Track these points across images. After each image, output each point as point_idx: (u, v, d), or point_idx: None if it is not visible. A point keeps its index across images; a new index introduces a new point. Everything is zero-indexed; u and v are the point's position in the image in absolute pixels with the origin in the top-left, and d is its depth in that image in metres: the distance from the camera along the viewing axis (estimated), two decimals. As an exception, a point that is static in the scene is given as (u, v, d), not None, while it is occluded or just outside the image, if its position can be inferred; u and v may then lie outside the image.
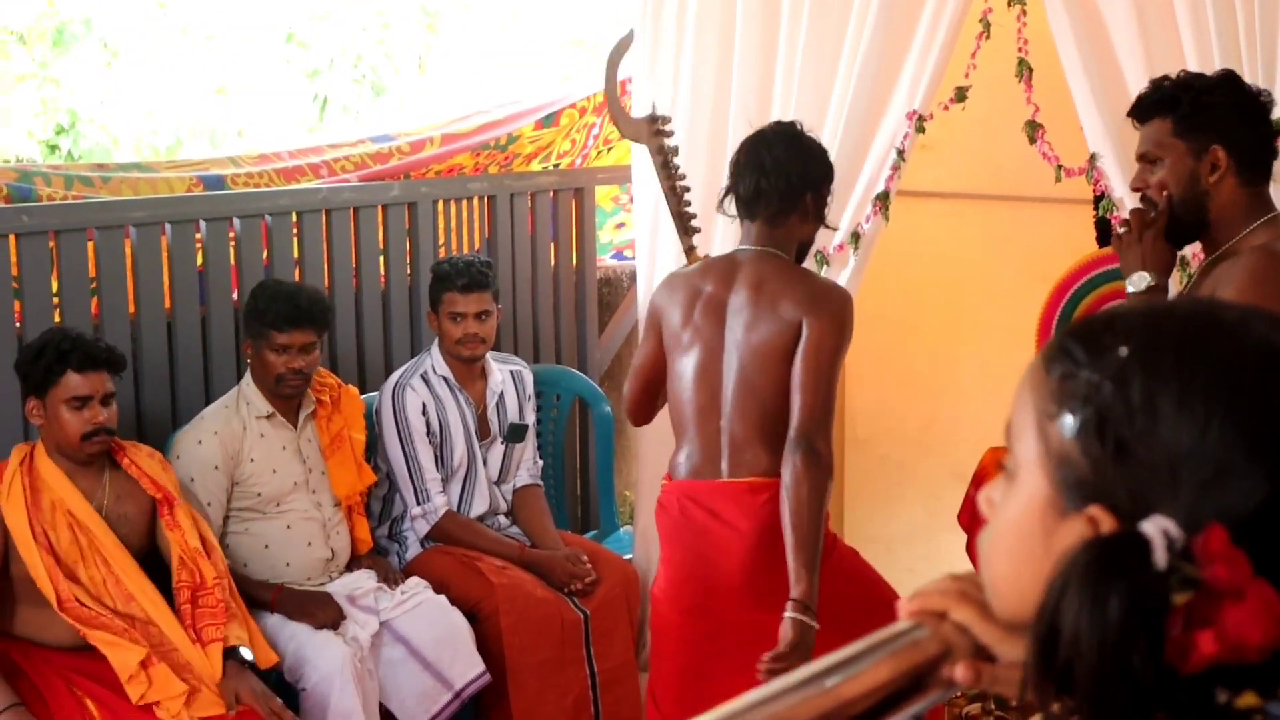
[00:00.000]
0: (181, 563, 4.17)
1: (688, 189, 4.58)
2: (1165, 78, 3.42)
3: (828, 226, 4.04)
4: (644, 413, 4.19)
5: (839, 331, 3.77)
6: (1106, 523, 1.16)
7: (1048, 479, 1.24)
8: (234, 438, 4.50)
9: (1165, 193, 3.34)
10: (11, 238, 4.33)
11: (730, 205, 3.95)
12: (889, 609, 4.08)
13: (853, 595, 3.93)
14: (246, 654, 4.10)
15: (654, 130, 4.62)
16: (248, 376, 4.58)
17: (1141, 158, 3.40)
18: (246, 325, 4.56)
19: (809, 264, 4.23)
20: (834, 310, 3.78)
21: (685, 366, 3.91)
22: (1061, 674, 1.13)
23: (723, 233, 4.69)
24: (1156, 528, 1.11)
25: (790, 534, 3.65)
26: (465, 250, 5.55)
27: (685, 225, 4.56)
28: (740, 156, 3.93)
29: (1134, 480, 1.15)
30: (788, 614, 3.59)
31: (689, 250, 4.53)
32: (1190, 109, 3.29)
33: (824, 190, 3.92)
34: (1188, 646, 1.08)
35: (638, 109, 5.09)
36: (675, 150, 4.60)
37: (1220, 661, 1.08)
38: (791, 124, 3.96)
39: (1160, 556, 1.10)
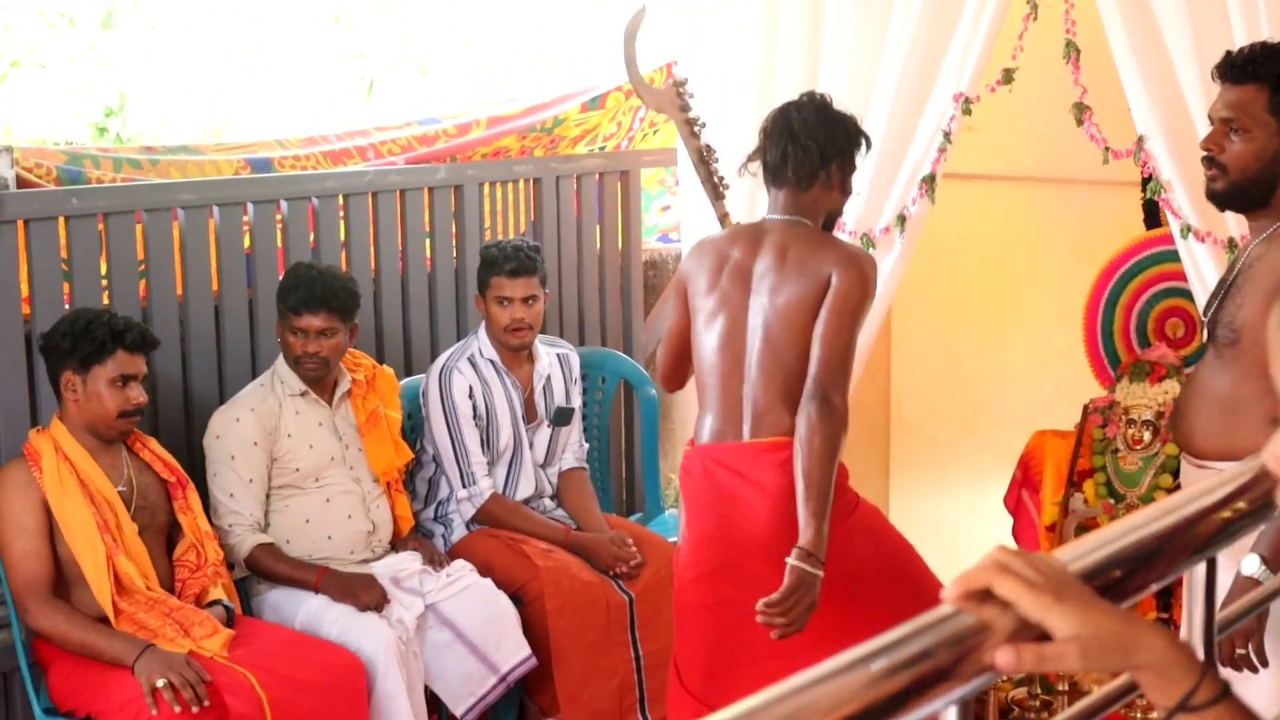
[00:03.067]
0: (189, 545, 4.26)
1: (715, 154, 4.55)
2: (1264, 42, 3.37)
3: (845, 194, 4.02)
4: (676, 378, 4.23)
5: (864, 289, 3.79)
6: None
7: None
8: (270, 414, 4.53)
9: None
10: (61, 220, 4.35)
11: (755, 171, 3.97)
12: (909, 572, 4.11)
13: (873, 555, 3.94)
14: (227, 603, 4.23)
15: (677, 96, 4.61)
16: (281, 356, 4.62)
17: (1224, 121, 3.34)
18: (276, 305, 4.61)
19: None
20: (862, 269, 3.80)
21: (710, 332, 3.94)
22: None
23: (753, 199, 4.68)
24: None
25: (801, 483, 3.66)
26: (511, 233, 5.55)
27: (716, 191, 4.54)
28: (769, 124, 3.95)
29: None
30: (790, 560, 3.58)
31: (723, 217, 4.52)
32: None
33: (851, 160, 3.94)
34: None
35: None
36: (700, 120, 4.59)
37: None
38: (821, 95, 3.97)
39: None
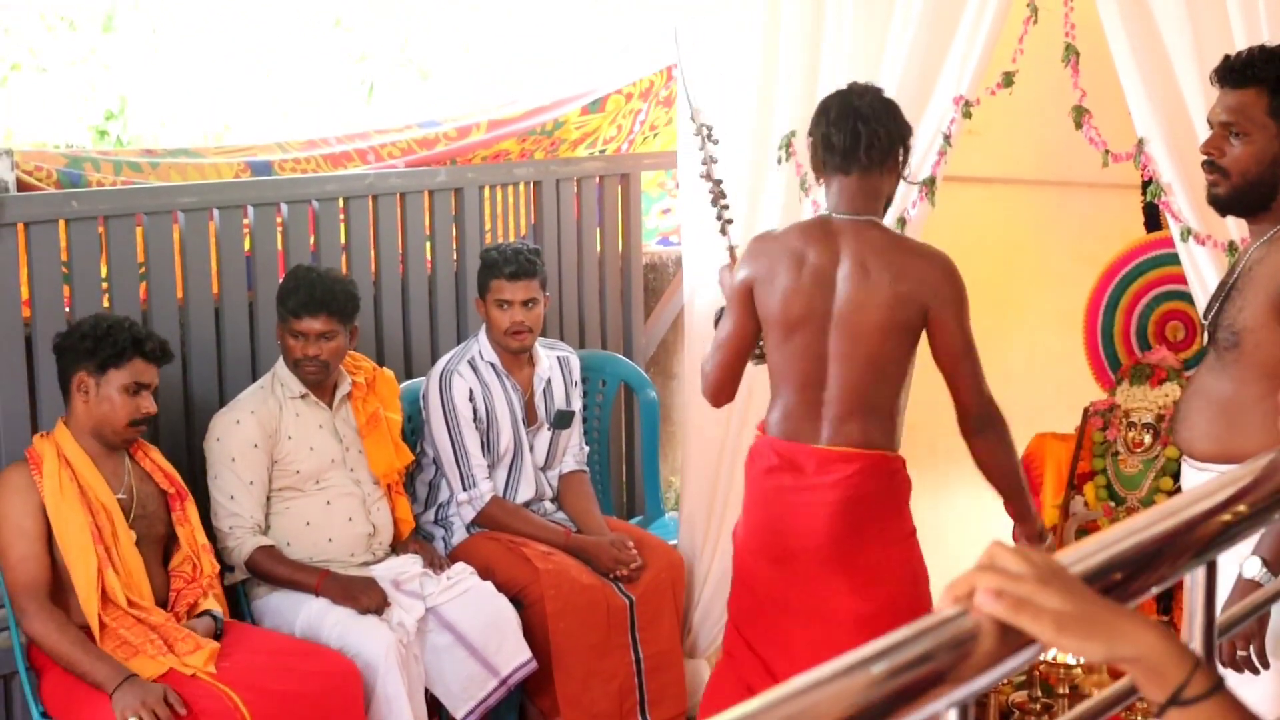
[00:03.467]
0: (185, 557, 4.26)
1: (726, 199, 4.52)
2: (1262, 46, 3.37)
3: (906, 180, 4.09)
4: (729, 390, 4.14)
5: (960, 293, 3.88)
6: None
7: None
8: (270, 416, 4.53)
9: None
10: (61, 223, 4.36)
11: (806, 161, 4.07)
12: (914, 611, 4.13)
13: (903, 593, 4.01)
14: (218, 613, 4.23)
15: (704, 138, 4.59)
16: (282, 359, 4.62)
17: (1223, 125, 3.34)
18: (276, 308, 4.61)
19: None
20: (952, 284, 3.87)
21: (790, 334, 3.91)
22: None
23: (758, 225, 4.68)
24: None
25: (1005, 493, 4.06)
26: (511, 236, 5.55)
27: (723, 226, 4.49)
28: (829, 109, 3.92)
29: None
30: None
31: (731, 248, 4.49)
32: None
33: (909, 146, 3.98)
34: None
35: (680, 97, 5.10)
36: (715, 160, 4.57)
37: None
38: (873, 86, 4.00)
39: None
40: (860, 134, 3.83)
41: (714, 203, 4.45)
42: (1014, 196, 6.01)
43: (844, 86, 4.00)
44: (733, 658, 4.13)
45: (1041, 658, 4.54)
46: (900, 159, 3.92)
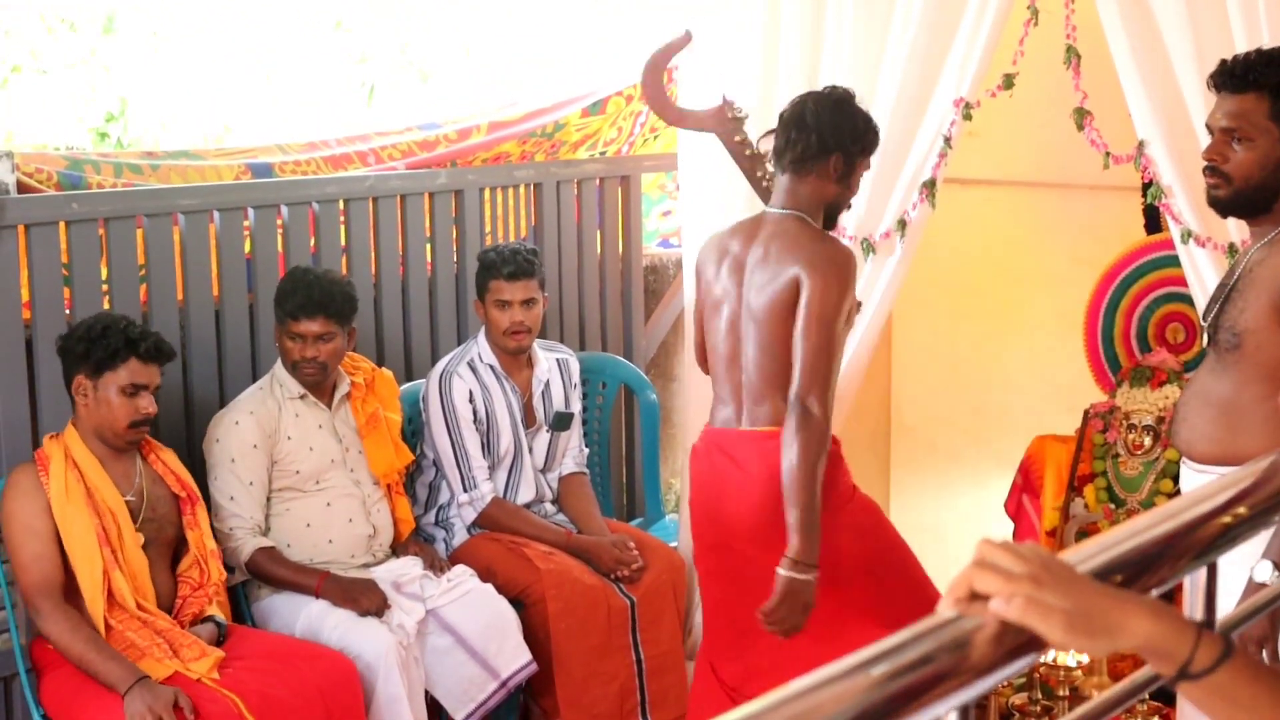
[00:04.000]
0: (193, 561, 4.25)
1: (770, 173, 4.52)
2: (1259, 50, 3.38)
3: (848, 192, 4.07)
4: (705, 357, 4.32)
5: (834, 290, 3.85)
6: None
7: None
8: (270, 417, 4.53)
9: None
10: (62, 225, 4.36)
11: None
12: (898, 569, 4.25)
13: (858, 551, 4.04)
14: (220, 619, 4.22)
15: (728, 118, 4.59)
16: (280, 360, 4.63)
17: (1225, 131, 3.34)
18: (274, 310, 4.61)
19: (857, 249, 4.28)
20: (828, 270, 3.86)
21: (715, 322, 4.10)
22: None
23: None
24: None
25: (785, 493, 3.80)
26: (511, 238, 5.55)
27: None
28: (786, 111, 4.04)
29: None
30: (780, 570, 3.76)
31: None
32: None
33: (855, 156, 3.99)
34: None
35: (684, 98, 5.10)
36: (752, 144, 4.57)
37: None
38: (844, 89, 4.05)
39: None
40: (792, 139, 3.94)
41: (760, 178, 4.48)
42: (1014, 198, 6.01)
43: (820, 89, 4.08)
44: (705, 650, 4.25)
45: (1042, 660, 4.54)
46: (831, 166, 3.94)
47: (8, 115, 7.56)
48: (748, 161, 4.58)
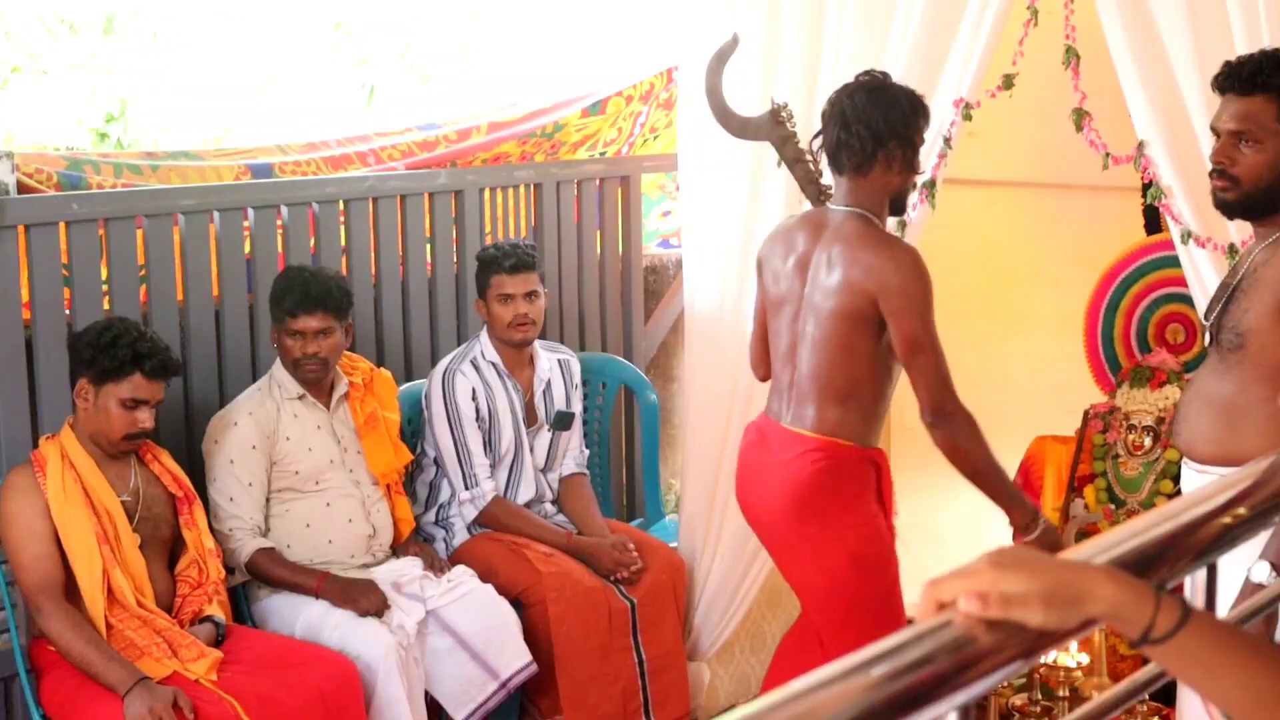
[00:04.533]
0: (191, 561, 4.25)
1: (821, 172, 4.48)
2: (1264, 52, 3.38)
3: (917, 173, 4.11)
4: (764, 361, 4.31)
5: (916, 289, 3.85)
6: None
7: None
8: (268, 418, 4.53)
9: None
10: (62, 226, 4.35)
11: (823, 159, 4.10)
12: (878, 618, 4.29)
13: (847, 579, 4.06)
14: (220, 619, 4.22)
15: (776, 122, 4.56)
16: (279, 360, 4.62)
17: (1233, 134, 3.34)
18: (270, 311, 4.61)
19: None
20: (901, 277, 3.84)
21: (776, 318, 4.12)
22: None
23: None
24: None
25: (979, 488, 3.99)
26: (511, 238, 5.55)
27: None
28: (826, 109, 4.03)
29: None
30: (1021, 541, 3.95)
31: None
32: None
33: (911, 139, 3.98)
34: None
35: (684, 98, 5.09)
36: (806, 148, 4.51)
37: None
38: (878, 75, 4.04)
39: None
40: (842, 141, 3.93)
41: (809, 179, 4.44)
42: (1014, 199, 6.01)
43: (850, 79, 4.04)
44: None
45: (1042, 660, 4.54)
46: (890, 157, 3.93)
47: (8, 116, 7.57)
48: (800, 170, 4.50)
